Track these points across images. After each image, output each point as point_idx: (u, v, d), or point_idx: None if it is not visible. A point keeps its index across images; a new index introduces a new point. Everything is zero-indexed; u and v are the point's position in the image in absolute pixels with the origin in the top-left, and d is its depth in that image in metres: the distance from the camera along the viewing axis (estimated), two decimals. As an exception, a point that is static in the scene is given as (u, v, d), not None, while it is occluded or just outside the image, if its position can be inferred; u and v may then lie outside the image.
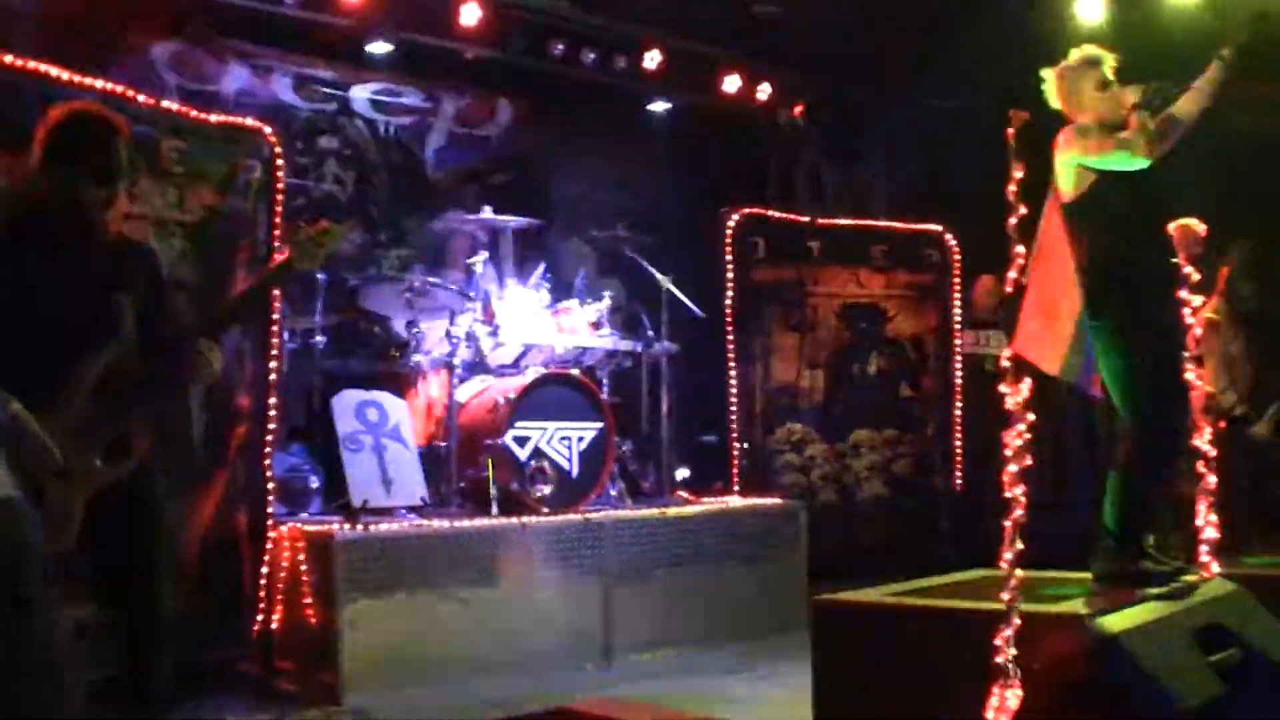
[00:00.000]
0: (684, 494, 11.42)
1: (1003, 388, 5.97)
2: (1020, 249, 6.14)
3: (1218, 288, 10.90)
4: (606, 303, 11.36)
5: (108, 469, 5.36)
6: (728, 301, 12.66)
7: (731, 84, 14.07)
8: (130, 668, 5.52)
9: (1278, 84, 13.98)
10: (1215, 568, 7.24)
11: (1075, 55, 7.31)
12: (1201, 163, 12.19)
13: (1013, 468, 5.91)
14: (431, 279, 10.65)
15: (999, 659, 5.65)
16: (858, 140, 15.57)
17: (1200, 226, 7.44)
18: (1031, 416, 5.97)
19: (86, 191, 5.57)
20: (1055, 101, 7.34)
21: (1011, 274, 6.14)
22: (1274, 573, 8.20)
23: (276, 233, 9.14)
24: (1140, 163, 6.97)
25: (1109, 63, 7.26)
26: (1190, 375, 7.59)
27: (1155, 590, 6.66)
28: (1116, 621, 5.79)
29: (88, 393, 5.33)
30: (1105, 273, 6.87)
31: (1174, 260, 7.43)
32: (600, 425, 10.49)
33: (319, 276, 10.23)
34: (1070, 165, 7.11)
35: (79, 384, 5.31)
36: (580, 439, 10.39)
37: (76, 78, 8.02)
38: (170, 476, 5.92)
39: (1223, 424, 10.39)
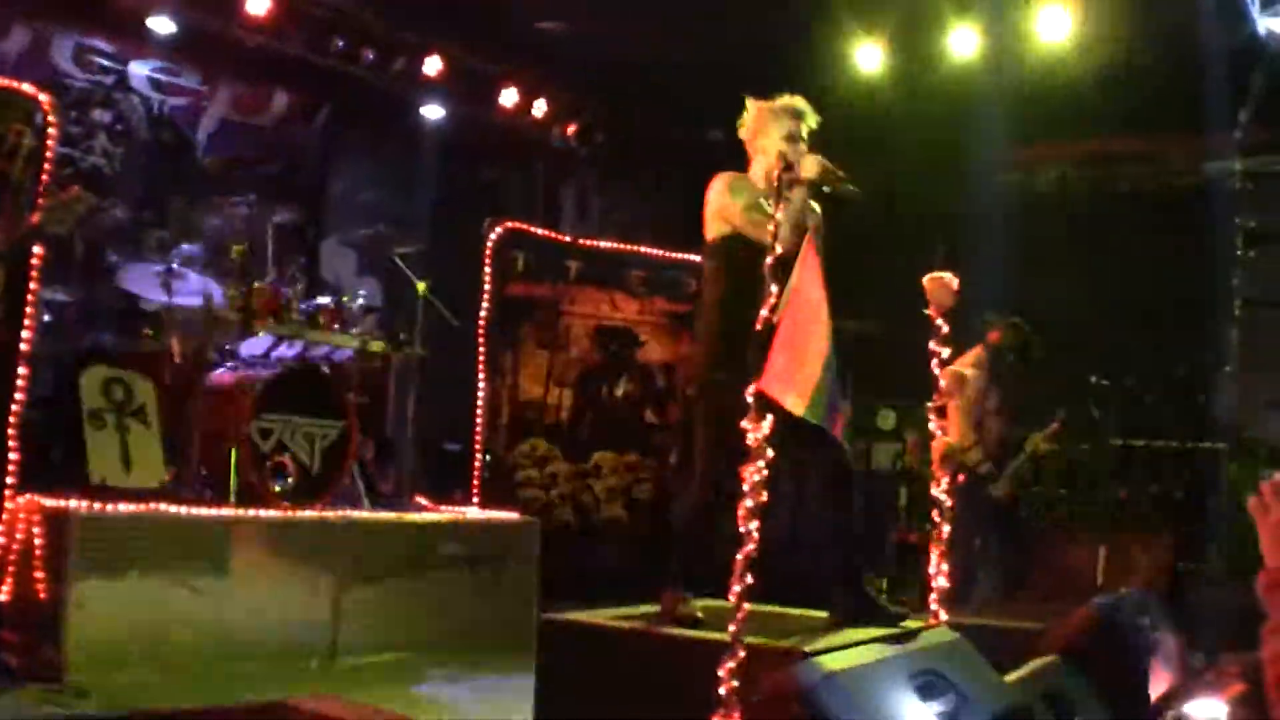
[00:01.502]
0: (422, 500, 11.47)
1: (745, 424, 6.09)
2: (774, 288, 6.25)
3: (980, 345, 11.14)
4: (361, 302, 11.37)
5: None
6: (483, 313, 12.68)
7: (508, 97, 14.18)
8: None
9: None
10: (943, 615, 7.40)
11: (784, 100, 7.35)
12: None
13: (749, 503, 6.03)
14: (189, 263, 10.57)
15: (721, 689, 5.77)
16: (627, 165, 15.70)
17: (954, 280, 7.54)
18: (771, 453, 6.11)
19: None
20: (743, 131, 7.39)
21: (763, 312, 6.25)
22: (998, 624, 8.44)
23: (40, 201, 9.06)
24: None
25: (809, 121, 7.30)
26: (931, 425, 7.81)
27: (879, 633, 6.80)
28: (836, 660, 5.91)
29: None
30: (720, 323, 7.06)
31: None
32: (344, 424, 10.49)
33: (77, 249, 10.16)
34: (712, 209, 7.22)
35: None
36: (324, 436, 10.38)
37: None
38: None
39: (964, 477, 10.66)
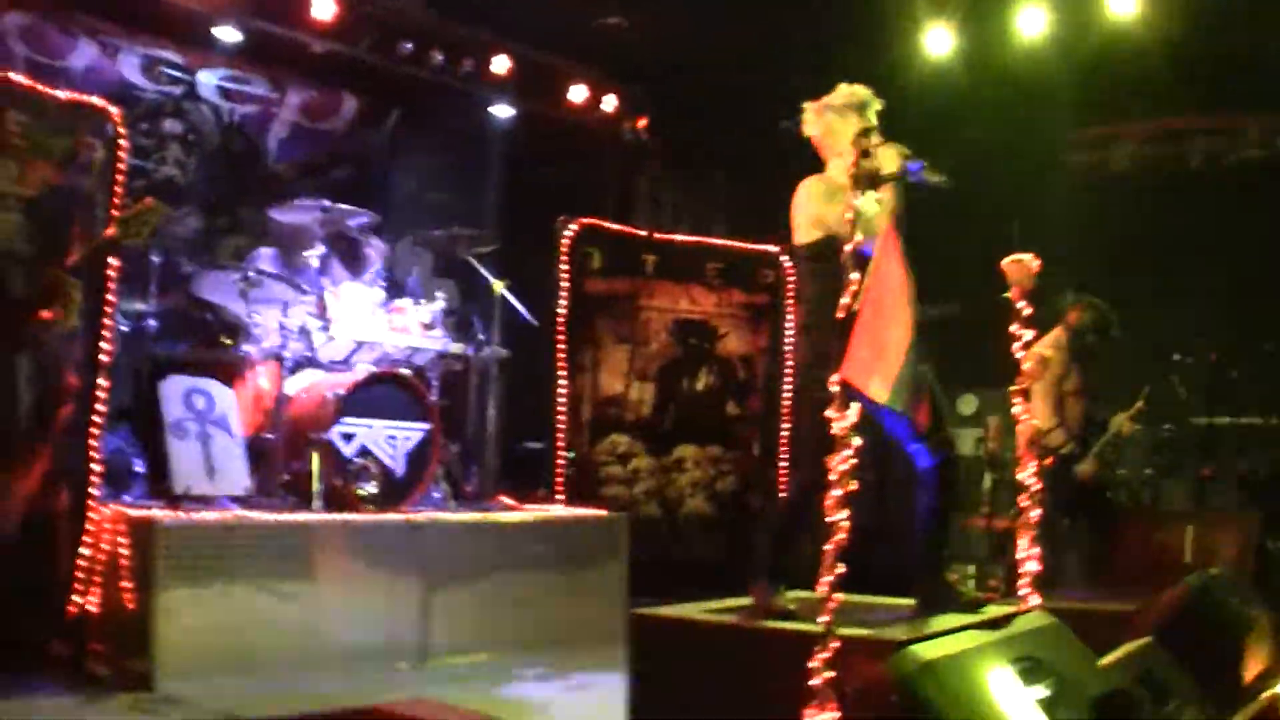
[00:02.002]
0: (507, 499, 11.43)
1: (831, 413, 6.00)
2: (855, 275, 6.16)
3: (1059, 326, 11.05)
4: (439, 304, 11.36)
5: None
6: (560, 310, 12.64)
7: (577, 94, 14.14)
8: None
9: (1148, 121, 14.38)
10: (1034, 600, 7.31)
11: (843, 93, 7.14)
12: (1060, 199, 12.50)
13: (837, 492, 5.93)
14: (266, 269, 10.57)
15: (815, 681, 5.69)
16: (699, 157, 15.63)
17: (1034, 261, 7.44)
18: (858, 441, 6.01)
19: None
20: (809, 130, 7.27)
21: (844, 300, 6.16)
22: (1090, 608, 8.33)
23: (115, 213, 9.08)
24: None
25: (874, 107, 7.15)
26: (1016, 408, 7.70)
27: (973, 619, 6.72)
28: (931, 649, 5.83)
29: None
30: (818, 320, 6.96)
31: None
32: (427, 426, 10.48)
33: (153, 259, 10.17)
34: (806, 215, 7.12)
35: None
36: (406, 439, 10.39)
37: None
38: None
39: (1049, 460, 10.53)
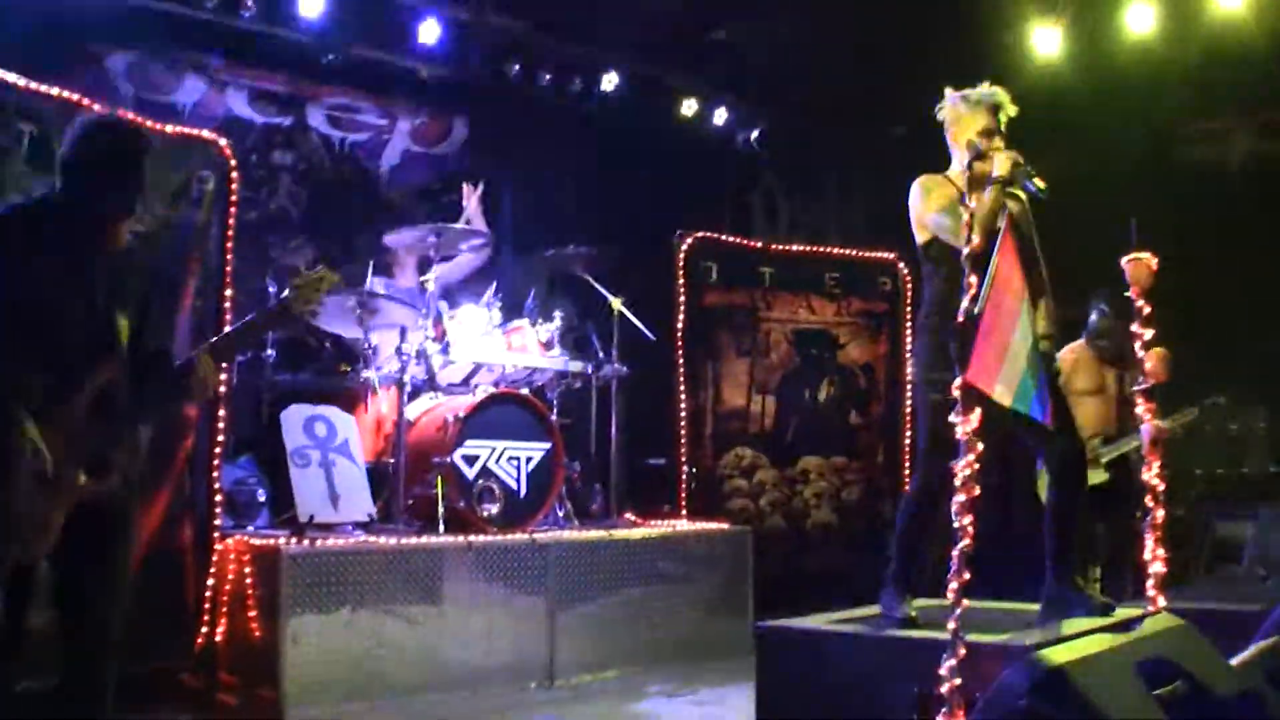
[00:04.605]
0: (631, 516, 11.40)
1: (953, 418, 5.95)
2: (973, 279, 6.11)
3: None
4: (557, 323, 11.34)
5: (91, 485, 5.30)
6: (679, 325, 12.62)
7: (688, 108, 14.10)
8: (73, 678, 5.44)
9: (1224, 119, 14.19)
10: (1161, 601, 7.24)
11: (984, 89, 7.15)
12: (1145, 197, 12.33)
13: (961, 497, 5.88)
14: (381, 295, 10.59)
15: (943, 688, 5.64)
16: (812, 166, 15.57)
17: (1152, 260, 7.38)
18: (981, 446, 5.95)
19: (108, 204, 5.54)
20: (941, 115, 7.27)
21: (964, 304, 6.11)
22: (1216, 607, 8.22)
23: (229, 245, 9.15)
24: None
25: (1005, 112, 7.11)
26: (1139, 409, 7.63)
27: (1101, 623, 6.65)
28: (1061, 653, 5.77)
29: (83, 406, 5.29)
30: (936, 325, 6.92)
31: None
32: (549, 446, 10.46)
33: (269, 289, 10.22)
34: (912, 216, 7.11)
35: (78, 396, 5.28)
36: (529, 459, 10.36)
37: (33, 85, 7.97)
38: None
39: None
